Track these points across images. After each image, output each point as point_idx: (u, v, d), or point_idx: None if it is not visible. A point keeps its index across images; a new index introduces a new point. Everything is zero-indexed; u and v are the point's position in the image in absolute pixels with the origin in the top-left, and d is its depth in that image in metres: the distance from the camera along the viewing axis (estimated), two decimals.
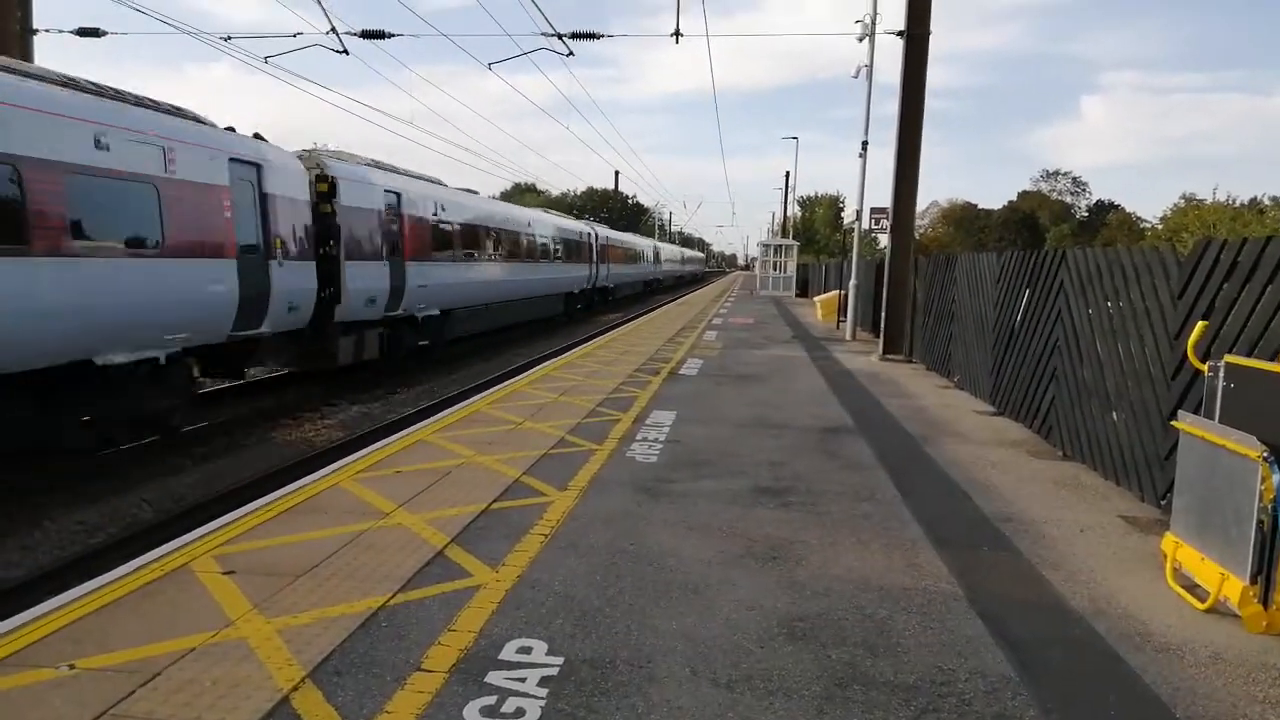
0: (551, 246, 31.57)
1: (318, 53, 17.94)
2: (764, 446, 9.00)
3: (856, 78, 23.13)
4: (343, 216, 15.48)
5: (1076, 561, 5.78)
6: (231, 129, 13.09)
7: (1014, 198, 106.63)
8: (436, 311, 19.80)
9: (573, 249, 35.00)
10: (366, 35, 17.80)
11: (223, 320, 12.11)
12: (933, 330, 16.03)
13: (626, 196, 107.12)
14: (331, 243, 15.25)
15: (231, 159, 12.35)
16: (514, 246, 26.62)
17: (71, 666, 3.93)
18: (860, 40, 21.98)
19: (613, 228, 51.08)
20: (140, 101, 11.08)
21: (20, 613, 4.61)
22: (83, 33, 17.92)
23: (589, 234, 38.75)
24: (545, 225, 31.46)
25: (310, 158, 15.64)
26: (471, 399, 12.18)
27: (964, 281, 13.68)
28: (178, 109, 11.95)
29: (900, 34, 17.78)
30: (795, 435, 9.63)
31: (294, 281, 13.80)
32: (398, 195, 17.79)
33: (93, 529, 8.94)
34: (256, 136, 13.90)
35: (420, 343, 19.52)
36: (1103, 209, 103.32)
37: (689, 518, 6.44)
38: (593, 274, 38.92)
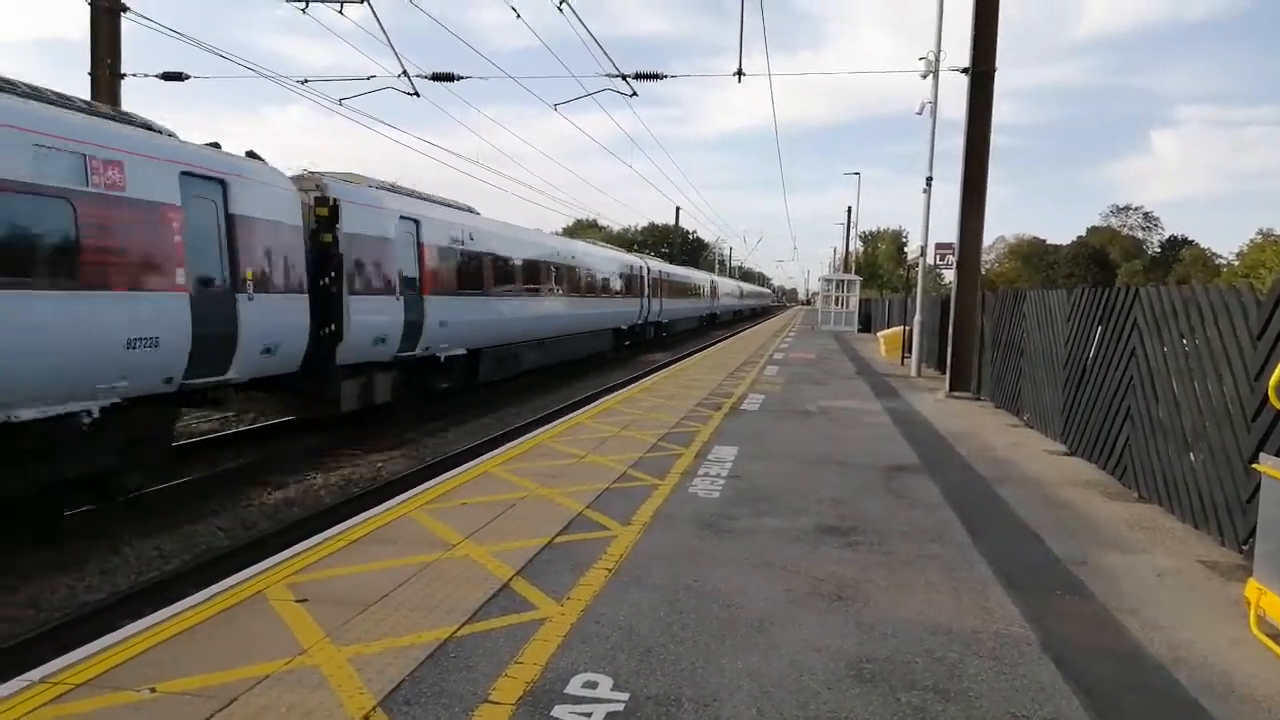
0: (599, 280, 30.20)
1: (390, 94, 18.42)
2: (828, 484, 8.92)
3: (921, 114, 23.08)
4: (346, 245, 13.76)
5: (1154, 607, 5.61)
6: (216, 144, 11.55)
7: (1083, 233, 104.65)
8: (463, 351, 18.03)
9: (622, 283, 33.78)
10: (436, 78, 18.27)
11: (171, 365, 9.96)
12: (1001, 367, 15.76)
13: (687, 232, 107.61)
14: (333, 274, 13.61)
15: (185, 173, 10.29)
16: (556, 280, 24.98)
17: (153, 690, 4.05)
18: (924, 77, 21.91)
19: (672, 262, 51.14)
20: (59, 100, 9.32)
21: (103, 636, 4.77)
22: (167, 77, 18.72)
23: (640, 267, 37.56)
24: (592, 257, 30.06)
25: (309, 179, 14.04)
26: (535, 432, 12.29)
27: (1033, 318, 13.45)
28: (120, 113, 10.54)
29: (965, 71, 17.67)
30: (860, 473, 9.53)
31: (273, 318, 11.89)
32: (416, 222, 16.17)
33: (168, 555, 9.19)
34: (214, 145, 11.62)
35: (443, 385, 17.84)
36: (1175, 245, 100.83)
37: (752, 555, 6.41)
38: (644, 309, 37.54)
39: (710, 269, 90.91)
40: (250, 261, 11.47)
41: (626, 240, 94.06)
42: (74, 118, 9.08)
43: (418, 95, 18.25)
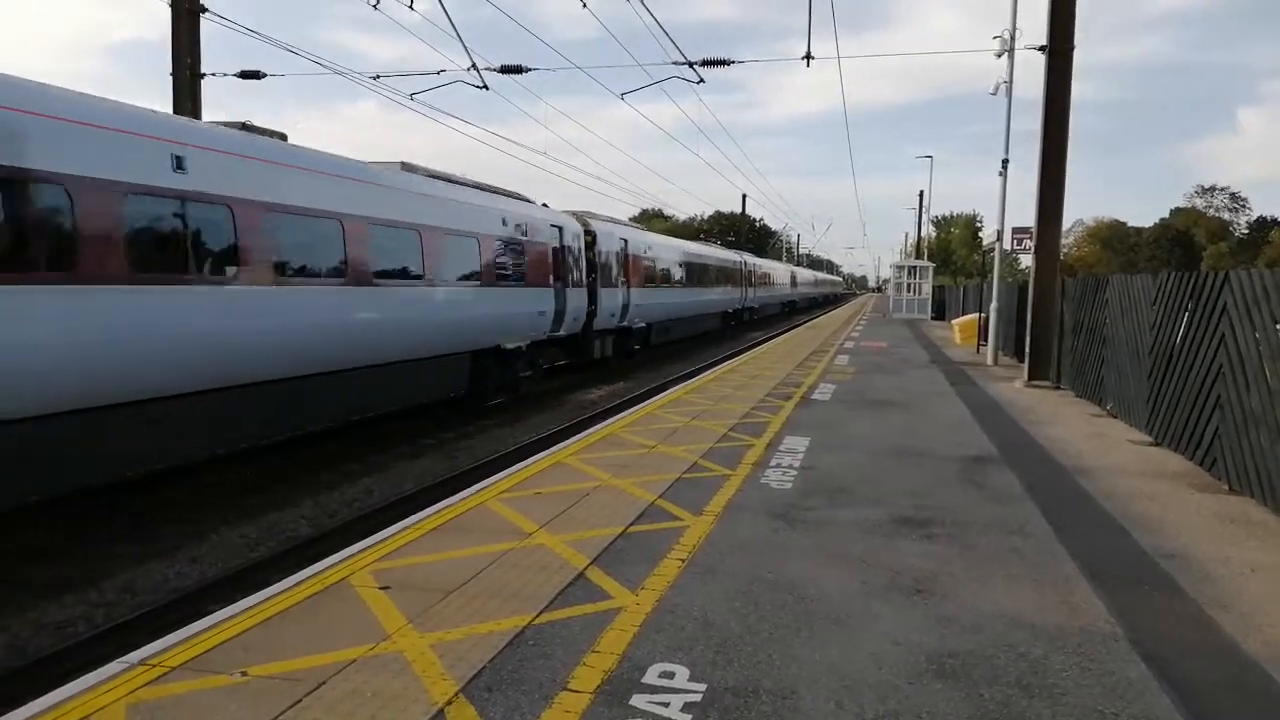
0: (716, 275, 38.71)
1: (457, 87, 18.70)
2: (904, 475, 8.79)
3: (995, 94, 22.57)
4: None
5: (1248, 602, 5.41)
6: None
7: (1165, 215, 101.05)
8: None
9: (730, 275, 41.99)
10: (505, 70, 18.43)
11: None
12: (1082, 355, 15.32)
13: (754, 219, 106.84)
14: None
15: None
16: (691, 276, 33.59)
17: (244, 673, 4.19)
18: (999, 56, 21.40)
19: (739, 250, 52.33)
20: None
21: (196, 621, 4.95)
22: (245, 75, 19.22)
23: (740, 262, 45.84)
24: (713, 257, 39.44)
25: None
26: (606, 422, 12.36)
27: (1116, 304, 13.04)
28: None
29: (1042, 49, 17.19)
30: (936, 464, 9.37)
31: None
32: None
33: (254, 543, 9.48)
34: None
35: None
36: (1264, 226, 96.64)
37: (827, 547, 6.36)
38: (744, 296, 45.86)
39: (777, 257, 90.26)
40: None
41: (692, 229, 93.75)
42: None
43: (486, 88, 18.44)
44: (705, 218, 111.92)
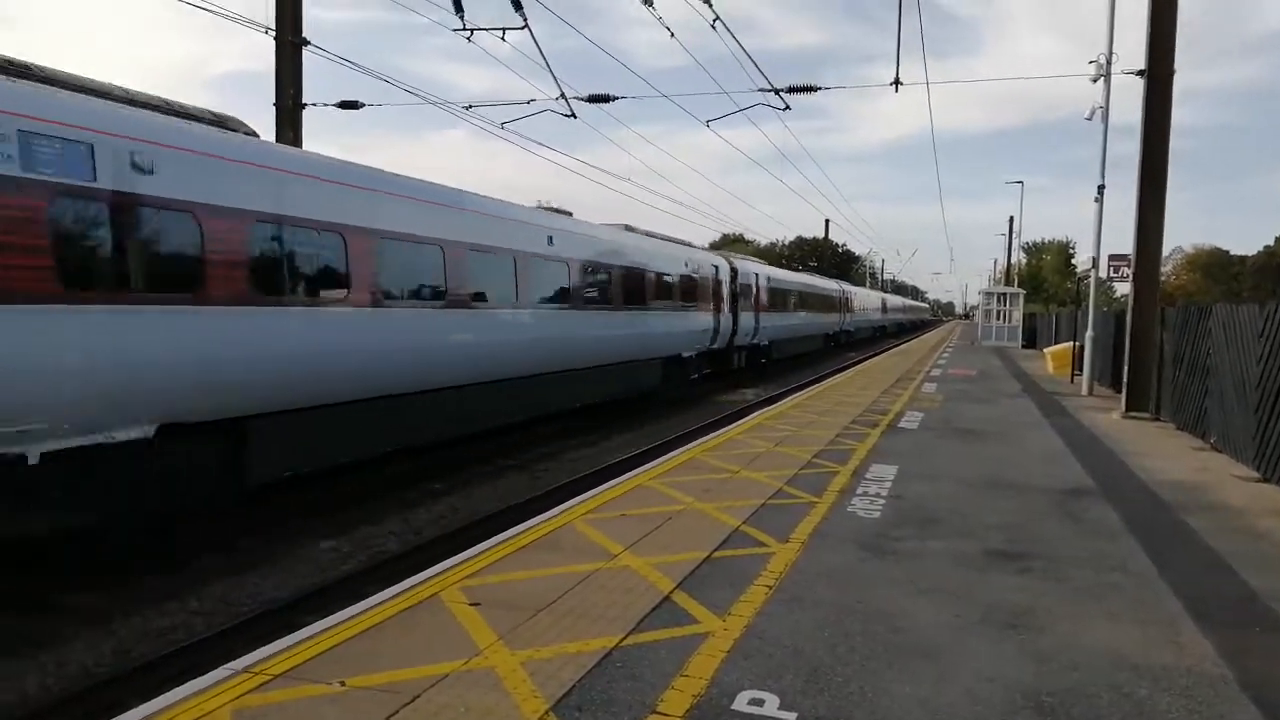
0: (822, 301, 44.35)
1: (543, 115, 19.08)
2: (996, 507, 8.57)
3: (1091, 119, 21.98)
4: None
5: None
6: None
7: (1270, 243, 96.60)
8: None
9: (831, 302, 47.62)
10: (593, 99, 18.69)
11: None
12: (1183, 387, 14.74)
13: (837, 245, 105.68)
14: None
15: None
16: (802, 302, 38.97)
17: (343, 684, 4.30)
18: (1095, 81, 20.86)
19: (822, 276, 52.76)
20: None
21: (296, 631, 5.11)
22: (344, 105, 19.91)
23: (841, 290, 51.90)
24: (819, 286, 44.84)
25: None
26: (686, 446, 12.36)
27: (1220, 334, 12.52)
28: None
29: (1140, 74, 16.72)
30: (1030, 496, 9.11)
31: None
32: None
33: (345, 556, 9.72)
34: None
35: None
36: None
37: (918, 578, 6.23)
38: (842, 320, 51.36)
39: (860, 282, 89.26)
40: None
41: (774, 255, 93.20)
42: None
43: (574, 116, 18.74)
44: (787, 243, 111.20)
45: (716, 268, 25.74)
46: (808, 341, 41.08)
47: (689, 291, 22.98)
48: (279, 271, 9.66)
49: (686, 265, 22.97)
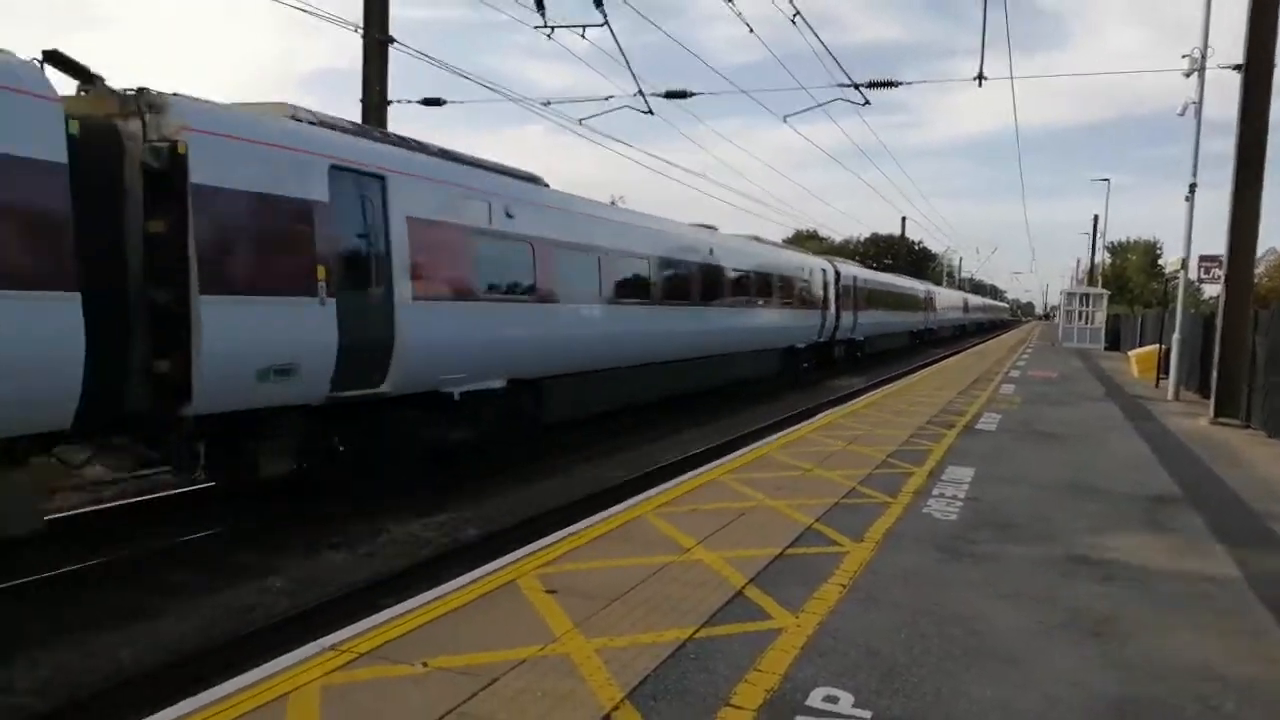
0: (907, 300, 46.89)
1: (620, 111, 19.22)
2: (1078, 512, 8.37)
3: (1183, 115, 21.26)
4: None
5: None
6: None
7: None
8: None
9: (917, 302, 50.36)
10: (670, 95, 18.73)
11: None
12: (1276, 392, 14.17)
13: (913, 242, 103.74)
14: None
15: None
16: (891, 301, 41.56)
17: (425, 664, 4.43)
18: (1188, 76, 20.16)
19: (898, 274, 51.98)
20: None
21: (380, 612, 5.26)
22: (428, 102, 20.26)
23: (926, 290, 54.87)
24: (906, 287, 47.86)
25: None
26: (758, 443, 12.33)
27: None
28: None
29: (1237, 68, 16.10)
30: (1114, 502, 8.87)
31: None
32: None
33: (423, 542, 9.94)
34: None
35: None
36: None
37: (996, 582, 6.13)
38: (926, 319, 53.84)
39: (937, 281, 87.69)
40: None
41: (848, 252, 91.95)
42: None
43: (651, 113, 18.79)
44: (861, 240, 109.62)
45: (824, 270, 29.41)
46: (896, 338, 44.38)
47: (804, 292, 26.80)
48: (566, 280, 13.78)
49: (802, 269, 26.97)
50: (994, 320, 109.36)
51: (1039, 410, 16.81)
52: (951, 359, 36.21)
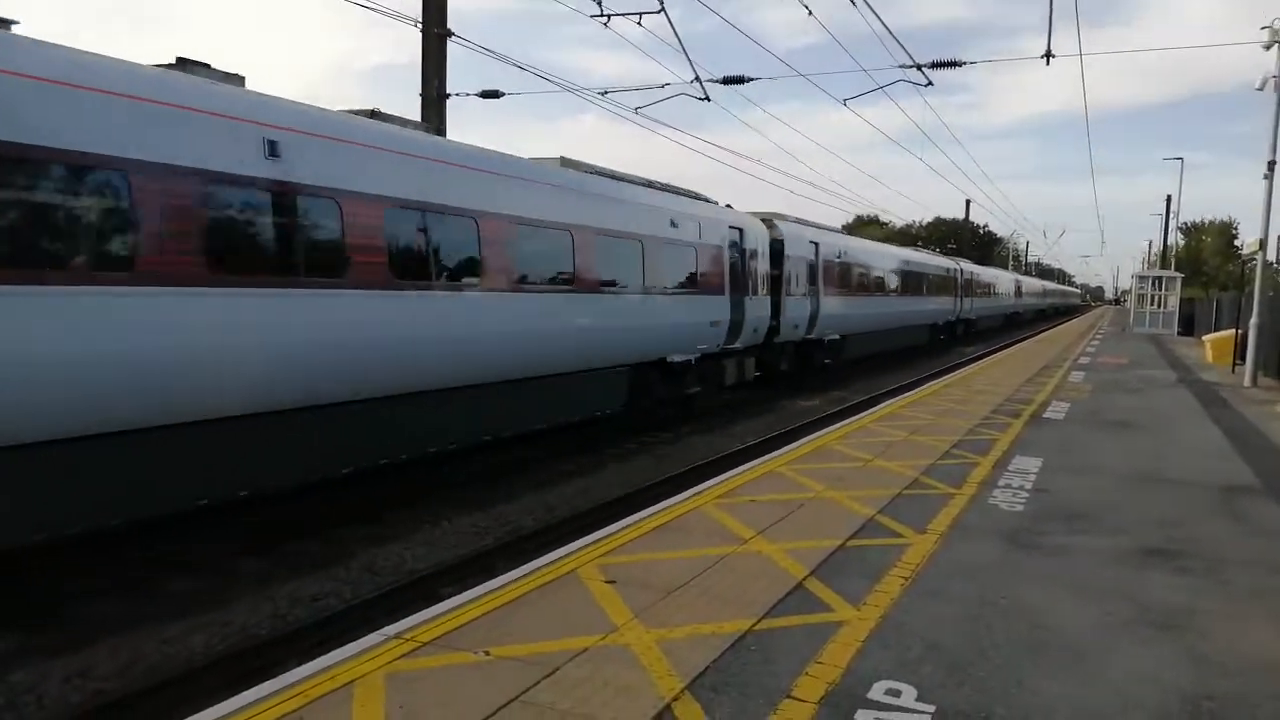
0: (923, 282, 35.17)
1: (677, 99, 19.07)
2: (1150, 502, 8.14)
3: (1262, 90, 20.46)
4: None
5: None
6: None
7: None
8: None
9: (941, 284, 38.81)
10: (727, 81, 18.57)
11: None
12: None
13: (977, 226, 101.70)
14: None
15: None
16: (894, 283, 30.63)
17: (487, 653, 4.48)
18: (1267, 49, 19.42)
19: (963, 258, 49.96)
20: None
21: (442, 601, 5.34)
22: (486, 95, 20.41)
23: (956, 269, 42.77)
24: (921, 264, 35.97)
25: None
26: (817, 433, 12.22)
27: None
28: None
29: None
30: (1187, 492, 8.61)
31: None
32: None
33: (483, 531, 10.06)
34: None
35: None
36: None
37: (1065, 575, 5.99)
38: (957, 307, 42.22)
39: (1003, 265, 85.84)
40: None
41: (910, 236, 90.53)
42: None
43: (708, 99, 18.66)
44: (924, 224, 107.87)
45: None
46: (903, 335, 32.57)
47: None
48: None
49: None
50: (1058, 305, 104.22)
51: (1109, 398, 16.37)
52: (1019, 345, 35.38)
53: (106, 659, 6.44)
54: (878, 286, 28.50)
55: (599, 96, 19.25)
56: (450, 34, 17.49)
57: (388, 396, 9.57)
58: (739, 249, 17.76)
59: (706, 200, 17.55)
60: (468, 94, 19.43)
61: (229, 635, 7.00)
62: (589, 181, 13.65)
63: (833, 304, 23.40)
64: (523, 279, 11.53)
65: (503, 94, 19.33)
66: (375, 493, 10.75)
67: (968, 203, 75.67)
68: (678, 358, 15.35)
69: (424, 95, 18.87)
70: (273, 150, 8.15)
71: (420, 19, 17.05)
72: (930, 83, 18.51)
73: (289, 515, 9.80)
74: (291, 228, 8.48)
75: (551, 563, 5.95)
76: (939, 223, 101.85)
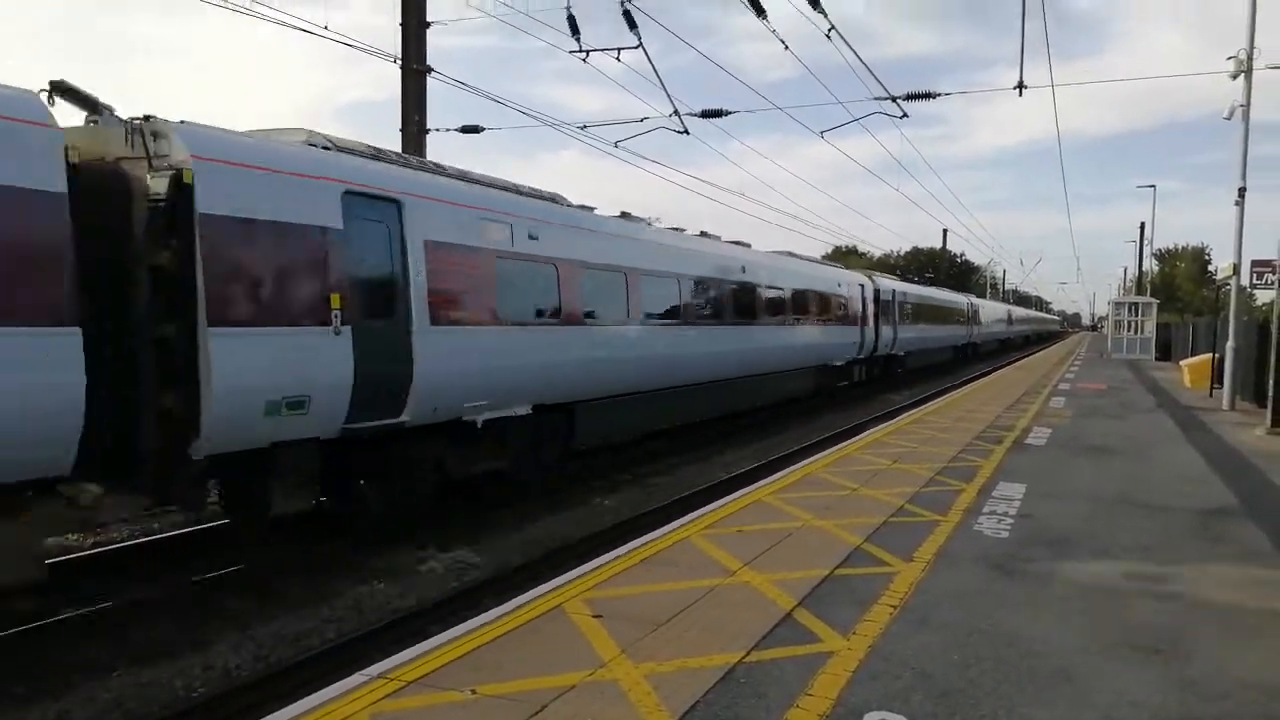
0: (951, 314, 46.05)
1: (655, 132, 19.28)
2: (1133, 527, 8.18)
3: (1230, 119, 20.87)
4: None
5: None
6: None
7: None
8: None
9: (960, 315, 48.71)
10: (706, 115, 18.76)
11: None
12: None
13: (954, 255, 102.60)
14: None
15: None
16: (934, 315, 40.74)
17: (474, 691, 4.43)
18: (1234, 78, 19.85)
19: (939, 287, 51.26)
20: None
21: (427, 639, 5.28)
22: (466, 130, 20.53)
23: (969, 304, 53.13)
24: (949, 300, 46.35)
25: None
26: (802, 462, 12.22)
27: None
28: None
29: None
30: (1170, 517, 8.66)
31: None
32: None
33: (469, 566, 9.97)
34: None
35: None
36: None
37: (1051, 600, 6.01)
38: (970, 333, 51.83)
39: (980, 293, 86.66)
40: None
41: (889, 266, 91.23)
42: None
43: (687, 133, 18.84)
44: (901, 254, 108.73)
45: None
46: (939, 353, 43.36)
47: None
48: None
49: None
50: (1039, 332, 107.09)
51: (1090, 424, 16.50)
52: (998, 372, 35.68)
53: (83, 705, 6.32)
54: (927, 318, 38.94)
55: (579, 131, 19.40)
56: (429, 70, 17.61)
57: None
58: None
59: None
60: (448, 129, 19.50)
61: (210, 678, 6.88)
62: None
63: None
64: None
65: (483, 129, 19.43)
66: (362, 531, 10.64)
67: (945, 232, 76.55)
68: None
69: (404, 131, 18.95)
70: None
71: (399, 55, 17.15)
72: (905, 114, 18.82)
73: (273, 555, 9.68)
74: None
75: (537, 597, 5.89)
76: (916, 252, 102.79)
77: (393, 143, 18.83)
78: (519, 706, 4.23)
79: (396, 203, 9.78)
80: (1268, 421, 16.01)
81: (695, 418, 17.84)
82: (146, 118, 7.67)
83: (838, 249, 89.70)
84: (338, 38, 13.75)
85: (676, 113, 18.03)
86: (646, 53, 15.99)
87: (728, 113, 18.67)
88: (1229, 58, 19.59)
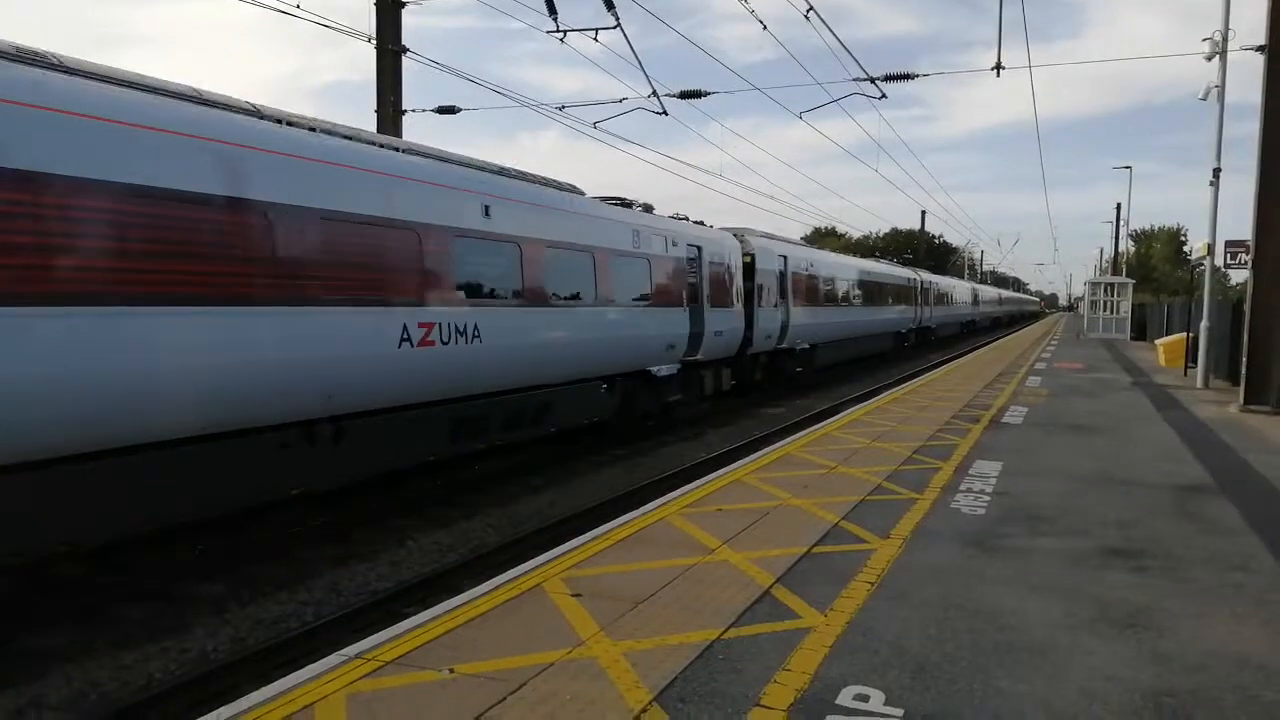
0: (886, 292, 36.47)
1: (635, 114, 19.19)
2: (1108, 504, 8.26)
3: (1205, 100, 21.00)
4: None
5: None
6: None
7: None
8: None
9: (903, 293, 40.50)
10: (685, 96, 18.69)
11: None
12: None
13: (933, 236, 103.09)
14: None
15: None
16: (859, 293, 31.39)
17: (452, 671, 4.41)
18: (1209, 59, 19.94)
19: (920, 267, 50.62)
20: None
21: (405, 620, 5.25)
22: (442, 111, 20.36)
23: (915, 279, 45.47)
24: (883, 274, 37.33)
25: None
26: (781, 442, 12.25)
27: None
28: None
29: (1260, 49, 15.88)
30: (1145, 493, 8.75)
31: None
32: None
33: (446, 549, 9.94)
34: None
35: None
36: None
37: (1027, 576, 6.05)
38: (918, 315, 44.01)
39: (958, 274, 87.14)
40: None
41: (867, 247, 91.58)
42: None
43: (665, 114, 18.75)
44: (880, 235, 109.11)
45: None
46: (870, 342, 33.43)
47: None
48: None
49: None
50: (1013, 313, 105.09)
51: (1066, 402, 16.63)
52: (976, 352, 35.87)
53: (59, 688, 6.25)
54: (843, 297, 28.98)
55: (558, 112, 19.26)
56: (405, 50, 17.41)
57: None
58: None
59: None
60: (424, 110, 19.33)
61: (187, 661, 6.83)
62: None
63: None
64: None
65: (459, 110, 19.28)
66: (342, 514, 10.58)
67: (923, 213, 76.72)
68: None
69: (379, 112, 18.77)
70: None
71: (374, 35, 16.94)
72: (884, 95, 18.77)
73: (252, 537, 9.62)
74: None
75: (517, 577, 5.88)
76: (895, 234, 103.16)
77: (368, 123, 18.66)
78: (497, 685, 4.22)
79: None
80: (1240, 399, 16.20)
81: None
82: None
83: (817, 230, 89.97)
84: (312, 17, 13.54)
85: (655, 94, 17.94)
86: (625, 33, 15.86)
87: (706, 94, 18.61)
88: (1204, 39, 19.67)
